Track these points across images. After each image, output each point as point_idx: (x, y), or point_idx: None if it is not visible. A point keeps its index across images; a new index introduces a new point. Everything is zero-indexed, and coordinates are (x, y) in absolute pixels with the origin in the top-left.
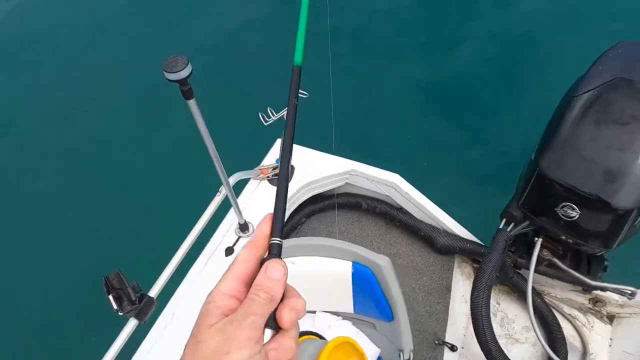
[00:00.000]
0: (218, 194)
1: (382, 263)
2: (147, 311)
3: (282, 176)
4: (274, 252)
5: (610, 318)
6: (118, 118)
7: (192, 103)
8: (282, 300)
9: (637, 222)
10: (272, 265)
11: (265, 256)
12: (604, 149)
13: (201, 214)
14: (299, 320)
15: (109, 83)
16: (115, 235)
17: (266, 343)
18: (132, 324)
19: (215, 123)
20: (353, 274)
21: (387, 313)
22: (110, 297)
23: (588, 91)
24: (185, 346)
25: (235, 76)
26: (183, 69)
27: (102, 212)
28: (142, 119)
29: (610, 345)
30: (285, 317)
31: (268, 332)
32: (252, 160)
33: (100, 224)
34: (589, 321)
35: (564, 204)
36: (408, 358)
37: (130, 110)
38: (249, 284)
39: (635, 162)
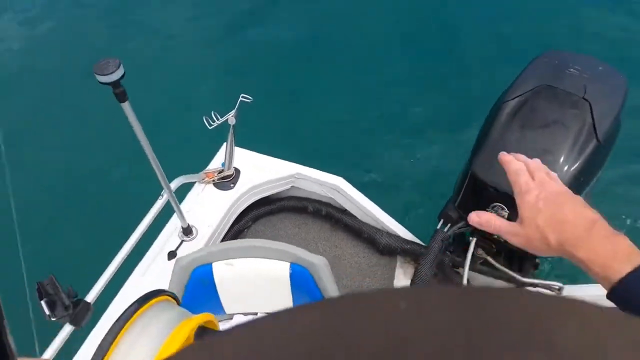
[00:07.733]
0: (160, 197)
1: (317, 262)
2: (83, 316)
3: None
4: None
5: None
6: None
7: (126, 106)
8: None
9: None
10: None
11: None
12: (529, 152)
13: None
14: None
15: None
16: (52, 239)
17: None
18: (67, 329)
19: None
20: (291, 275)
21: None
22: (43, 302)
23: (516, 97)
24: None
25: (179, 81)
26: (114, 71)
27: (40, 213)
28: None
29: None
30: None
31: None
32: (199, 164)
33: (37, 226)
34: None
35: (494, 204)
36: None
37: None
38: None
39: (557, 164)
